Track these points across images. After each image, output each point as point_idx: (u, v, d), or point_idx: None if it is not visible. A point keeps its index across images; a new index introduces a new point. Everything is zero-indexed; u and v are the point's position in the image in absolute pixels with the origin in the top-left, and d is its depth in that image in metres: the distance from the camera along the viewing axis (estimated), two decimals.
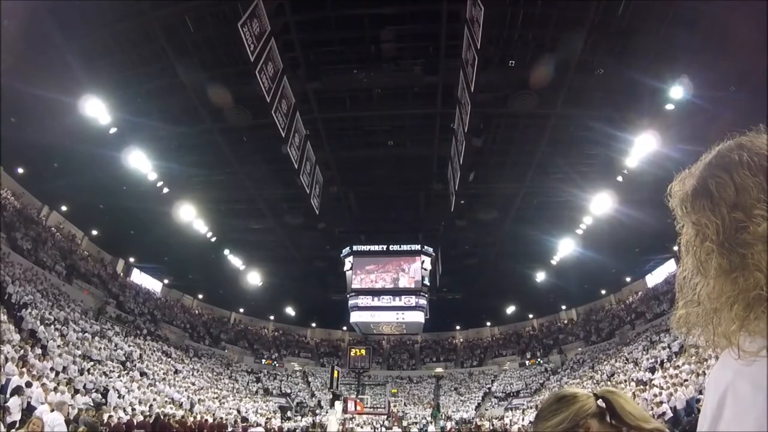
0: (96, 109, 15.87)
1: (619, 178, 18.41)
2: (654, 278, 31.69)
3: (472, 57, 13.34)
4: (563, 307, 39.65)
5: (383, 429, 19.22)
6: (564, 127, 17.66)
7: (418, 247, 26.80)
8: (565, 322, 39.87)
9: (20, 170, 23.89)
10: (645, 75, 14.51)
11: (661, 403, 15.78)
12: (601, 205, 19.96)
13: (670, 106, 14.75)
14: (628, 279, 33.87)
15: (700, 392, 14.16)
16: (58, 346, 17.28)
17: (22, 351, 13.74)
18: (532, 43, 14.56)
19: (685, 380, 15.65)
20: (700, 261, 0.75)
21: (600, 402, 1.25)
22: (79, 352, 18.42)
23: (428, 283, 27.09)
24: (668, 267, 29.78)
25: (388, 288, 27.06)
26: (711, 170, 0.76)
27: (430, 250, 27.03)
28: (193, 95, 16.37)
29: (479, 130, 16.46)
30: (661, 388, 17.04)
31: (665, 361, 20.43)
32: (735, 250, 0.69)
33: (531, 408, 28.23)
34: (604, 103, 16.52)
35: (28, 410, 10.11)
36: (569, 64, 14.57)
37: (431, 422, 32.42)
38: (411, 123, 19.37)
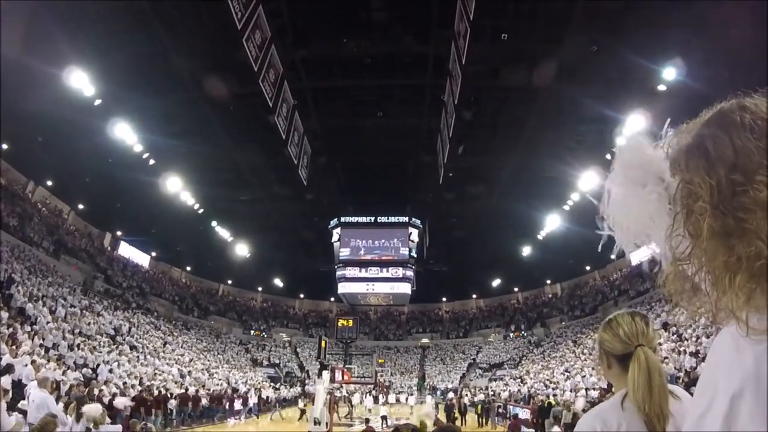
0: (80, 81, 15.44)
1: (608, 156, 18.48)
2: (638, 256, 32.07)
3: (464, 28, 13.18)
4: (548, 282, 40.35)
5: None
6: (555, 103, 17.61)
7: (405, 219, 26.97)
8: (550, 296, 40.65)
9: (4, 146, 23.26)
10: (638, 54, 14.42)
11: None
12: (589, 181, 20.09)
13: (662, 87, 14.74)
14: (612, 256, 34.18)
15: (679, 369, 14.54)
16: (48, 323, 17.19)
17: (11, 329, 13.62)
18: (526, 15, 14.35)
19: (665, 358, 16.10)
20: (694, 219, 0.71)
21: (630, 350, 1.29)
22: (69, 328, 18.35)
23: (415, 255, 27.35)
24: (654, 246, 30.15)
25: (376, 259, 27.24)
26: (709, 129, 0.73)
27: (418, 222, 27.22)
28: (179, 65, 15.98)
29: (470, 103, 16.38)
30: None
31: None
32: (731, 214, 0.66)
33: (515, 379, 28.98)
34: (596, 80, 16.44)
35: (19, 388, 10.13)
36: (562, 39, 14.43)
37: (417, 391, 33.20)
38: (401, 94, 19.19)
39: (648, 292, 27.88)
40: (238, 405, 22.62)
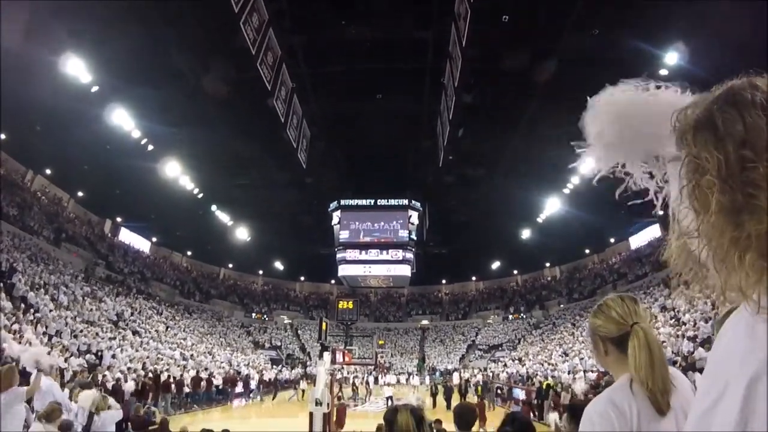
0: (76, 68, 15.28)
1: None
2: (638, 240, 32.28)
3: (465, 10, 13.00)
4: (547, 265, 40.54)
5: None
6: (556, 87, 17.41)
7: (405, 201, 26.97)
8: (549, 279, 40.90)
9: (1, 136, 23.20)
10: (640, 38, 14.24)
11: None
12: (589, 165, 19.96)
13: (664, 71, 14.58)
14: (612, 240, 34.46)
15: (677, 353, 14.67)
16: (50, 311, 17.35)
17: (14, 318, 13.73)
18: None
19: (663, 342, 16.30)
20: (701, 194, 0.70)
21: (626, 330, 1.29)
22: (71, 315, 18.49)
23: (415, 238, 27.41)
24: (653, 231, 30.37)
25: (376, 242, 27.34)
26: (719, 104, 0.71)
27: (418, 204, 27.23)
28: (176, 50, 15.78)
29: (470, 86, 16.23)
30: None
31: None
32: (740, 189, 0.64)
33: (513, 360, 29.33)
34: (597, 64, 16.23)
35: (23, 376, 10.23)
36: (564, 23, 14.22)
37: (417, 372, 33.66)
38: (400, 77, 18.98)
39: (647, 276, 28.05)
40: (240, 388, 22.95)
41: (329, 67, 18.15)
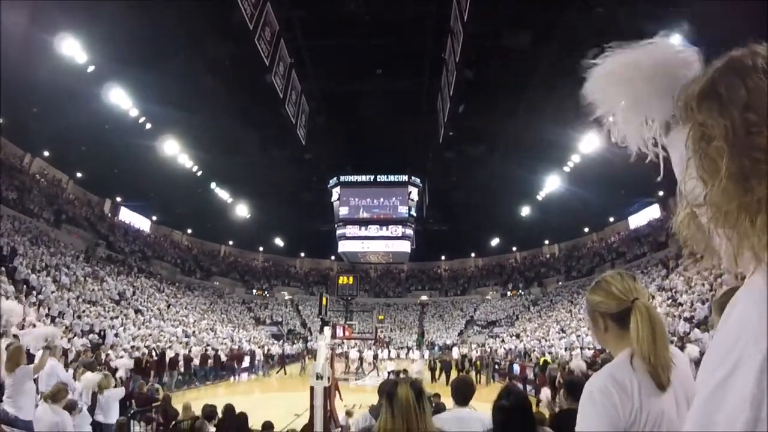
0: (71, 48, 15.09)
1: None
2: (637, 220, 32.30)
3: None
4: (546, 242, 40.67)
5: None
6: (557, 64, 17.16)
7: (405, 178, 26.92)
8: (547, 256, 41.08)
9: None
10: (643, 17, 13.95)
11: None
12: (590, 144, 19.90)
13: None
14: (611, 219, 34.48)
15: (673, 334, 14.79)
16: (53, 292, 17.45)
17: (17, 301, 13.74)
18: None
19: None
20: (708, 162, 0.70)
21: (627, 306, 1.30)
22: (74, 296, 18.60)
23: (415, 214, 27.44)
24: (652, 211, 30.40)
25: (375, 218, 27.37)
26: (720, 73, 0.72)
27: (418, 181, 27.17)
28: (172, 27, 15.52)
29: (471, 62, 16.01)
30: None
31: None
32: (747, 155, 0.65)
33: (511, 336, 29.68)
34: (600, 42, 15.90)
35: (28, 359, 10.33)
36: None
37: (416, 347, 34.09)
38: (400, 53, 18.70)
39: (645, 255, 28.17)
40: (246, 363, 23.31)
41: (328, 41, 17.86)
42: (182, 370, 18.27)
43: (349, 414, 9.52)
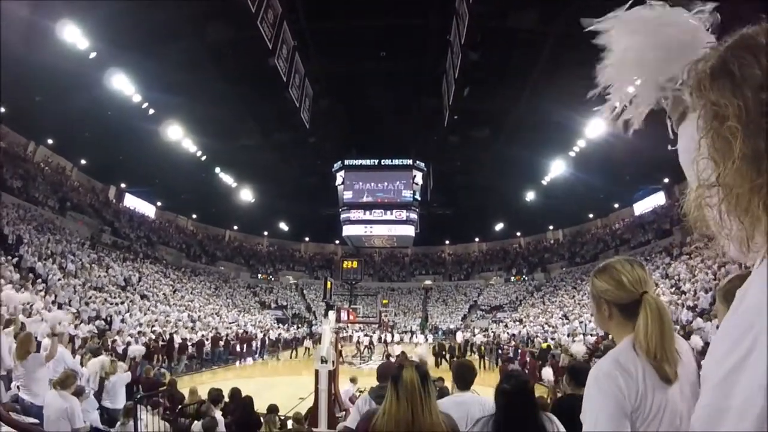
0: (72, 34, 14.96)
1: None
2: (642, 207, 32.10)
3: None
4: (550, 228, 40.56)
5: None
6: (564, 47, 16.91)
7: (410, 161, 26.76)
8: (552, 242, 41.00)
9: (1, 109, 22.95)
10: None
11: None
12: (596, 128, 19.67)
13: None
14: (616, 205, 34.28)
15: (675, 322, 14.79)
16: (59, 279, 17.57)
17: (23, 289, 13.89)
18: None
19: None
20: (720, 142, 0.68)
21: (636, 298, 1.29)
22: (80, 282, 18.74)
23: (419, 198, 27.36)
24: (657, 198, 30.17)
25: (379, 202, 27.34)
26: (733, 51, 0.70)
27: (422, 165, 27.01)
28: (173, 11, 15.33)
29: (476, 44, 15.80)
30: None
31: None
32: (762, 135, 0.63)
33: (515, 321, 29.83)
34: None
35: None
36: None
37: (419, 331, 34.34)
38: (405, 35, 18.47)
39: (649, 243, 28.05)
40: (247, 347, 23.54)
41: (332, 24, 17.65)
42: (188, 354, 18.48)
43: (353, 380, 9.60)
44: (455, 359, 20.03)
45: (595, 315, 1.43)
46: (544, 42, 16.55)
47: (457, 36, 15.65)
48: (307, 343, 25.39)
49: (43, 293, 15.19)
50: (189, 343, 18.18)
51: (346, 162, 27.05)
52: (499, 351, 22.07)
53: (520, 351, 19.55)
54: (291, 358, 23.72)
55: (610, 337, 1.41)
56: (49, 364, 5.67)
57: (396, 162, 27.22)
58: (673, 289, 18.78)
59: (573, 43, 16.59)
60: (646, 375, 1.19)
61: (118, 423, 5.78)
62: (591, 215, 36.88)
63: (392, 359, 19.08)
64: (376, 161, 27.24)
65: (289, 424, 7.20)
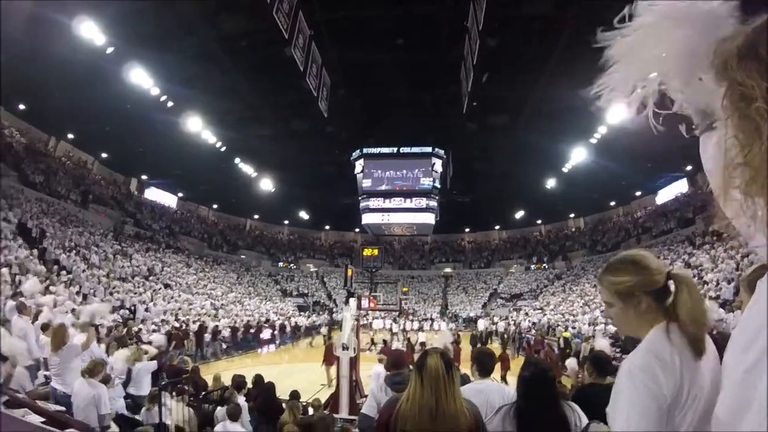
0: (89, 30, 15.15)
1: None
2: (664, 195, 31.36)
3: None
4: (571, 215, 40.05)
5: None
6: (584, 32, 16.44)
7: (429, 149, 26.55)
8: (573, 230, 40.49)
9: (21, 106, 23.52)
10: None
11: None
12: (617, 114, 19.16)
13: None
14: (638, 193, 33.60)
15: None
16: (83, 271, 17.98)
17: (48, 281, 14.23)
18: None
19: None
20: (747, 123, 0.67)
21: (668, 282, 1.27)
22: (103, 273, 19.17)
23: (439, 186, 27.20)
24: (679, 186, 29.48)
25: (399, 190, 27.30)
26: (759, 32, 0.70)
27: (441, 152, 26.79)
28: (188, 5, 15.44)
29: (495, 30, 15.53)
30: None
31: None
32: None
33: (535, 309, 29.64)
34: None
35: None
36: None
37: (439, 317, 34.36)
38: (422, 22, 18.25)
39: (672, 231, 27.46)
40: (269, 335, 23.92)
41: (347, 12, 17.54)
42: (212, 342, 18.84)
43: (381, 361, 9.68)
44: (477, 347, 20.08)
45: (622, 315, 1.34)
46: (562, 26, 16.19)
47: (474, 22, 15.40)
48: (323, 330, 25.64)
49: (67, 284, 15.59)
50: (209, 331, 18.46)
51: (365, 150, 26.99)
52: (520, 339, 21.99)
53: (534, 339, 19.31)
54: (309, 345, 23.99)
55: (632, 333, 1.36)
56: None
57: (415, 150, 27.03)
58: (696, 279, 18.40)
59: (591, 27, 16.19)
60: (683, 365, 1.15)
61: (144, 408, 5.91)
62: (612, 203, 36.26)
63: (416, 347, 19.29)
64: (395, 149, 27.11)
65: (310, 411, 7.32)
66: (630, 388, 1.15)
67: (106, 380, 5.31)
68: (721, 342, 1.08)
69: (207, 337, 18.59)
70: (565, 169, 26.98)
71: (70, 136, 27.60)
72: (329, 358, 13.85)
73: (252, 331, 22.76)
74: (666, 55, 0.93)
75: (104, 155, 30.20)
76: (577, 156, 24.81)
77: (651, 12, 0.96)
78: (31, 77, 18.23)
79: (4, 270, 12.81)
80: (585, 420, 2.20)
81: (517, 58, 18.24)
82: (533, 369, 2.27)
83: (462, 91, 20.07)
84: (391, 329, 26.11)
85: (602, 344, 12.66)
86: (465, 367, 6.83)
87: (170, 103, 20.31)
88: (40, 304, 9.57)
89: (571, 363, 11.67)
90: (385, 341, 17.08)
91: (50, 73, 18.12)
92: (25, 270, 14.22)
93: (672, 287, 1.26)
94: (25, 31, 14.81)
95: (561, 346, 17.52)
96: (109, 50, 16.16)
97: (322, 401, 8.03)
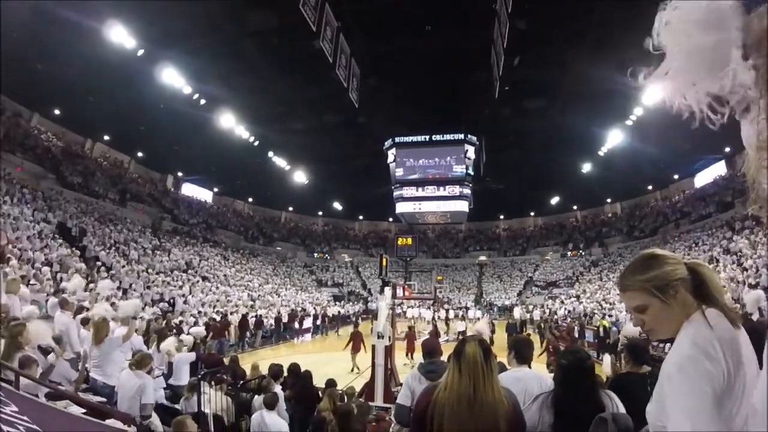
0: (119, 35, 15.70)
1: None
2: (703, 178, 30.02)
3: None
4: (608, 201, 38.89)
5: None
6: (618, 11, 15.82)
7: (461, 136, 26.26)
8: (609, 215, 39.31)
9: (57, 111, 24.49)
10: None
11: None
12: (654, 95, 18.39)
13: None
14: (675, 177, 32.29)
15: (736, 300, 13.86)
16: (123, 266, 18.63)
17: (89, 278, 14.76)
18: None
19: (723, 287, 15.49)
20: None
21: (688, 271, 1.30)
22: (143, 268, 19.82)
23: (472, 173, 26.92)
24: (718, 168, 28.22)
25: (431, 178, 27.17)
26: None
27: (474, 139, 26.45)
28: (215, 3, 15.70)
29: (524, 12, 15.17)
30: None
31: None
32: None
33: (570, 298, 29.07)
34: None
35: None
36: None
37: (474, 306, 34.16)
38: (449, 6, 17.95)
39: (711, 216, 26.34)
40: (306, 324, 24.37)
41: (373, 1, 17.44)
42: (255, 331, 19.30)
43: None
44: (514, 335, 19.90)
45: (660, 313, 1.29)
46: (595, 4, 15.63)
47: (503, 4, 15.07)
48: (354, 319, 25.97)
49: (108, 280, 16.24)
50: (247, 322, 18.89)
51: (397, 139, 26.92)
52: (558, 328, 21.63)
53: (567, 326, 18.88)
54: (336, 334, 24.27)
55: (664, 334, 1.31)
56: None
57: (447, 137, 26.78)
58: (734, 265, 17.63)
59: (627, 5, 15.59)
60: (725, 350, 1.14)
61: (182, 398, 6.11)
62: (650, 187, 34.88)
63: (453, 335, 19.29)
64: (427, 137, 26.94)
65: (345, 399, 7.45)
66: (684, 381, 1.12)
67: (151, 370, 5.54)
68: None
69: (261, 324, 19.16)
70: (601, 153, 26.22)
71: (106, 137, 28.54)
72: (356, 345, 14.20)
73: (297, 320, 23.18)
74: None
75: (140, 154, 31.12)
76: (613, 139, 24.10)
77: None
78: (65, 82, 18.92)
79: (46, 269, 13.47)
80: (622, 408, 2.18)
81: (548, 41, 17.76)
82: (570, 357, 2.27)
83: (493, 75, 19.73)
84: (432, 318, 26.21)
85: (631, 330, 12.35)
86: (500, 356, 6.80)
87: (203, 101, 20.79)
88: (82, 300, 9.96)
89: (606, 359, 11.44)
90: (410, 327, 17.18)
91: (83, 78, 18.79)
92: (66, 268, 14.87)
93: (690, 274, 1.30)
94: (56, 39, 15.37)
95: (600, 335, 17.14)
96: (140, 52, 16.72)
97: (356, 389, 8.15)
